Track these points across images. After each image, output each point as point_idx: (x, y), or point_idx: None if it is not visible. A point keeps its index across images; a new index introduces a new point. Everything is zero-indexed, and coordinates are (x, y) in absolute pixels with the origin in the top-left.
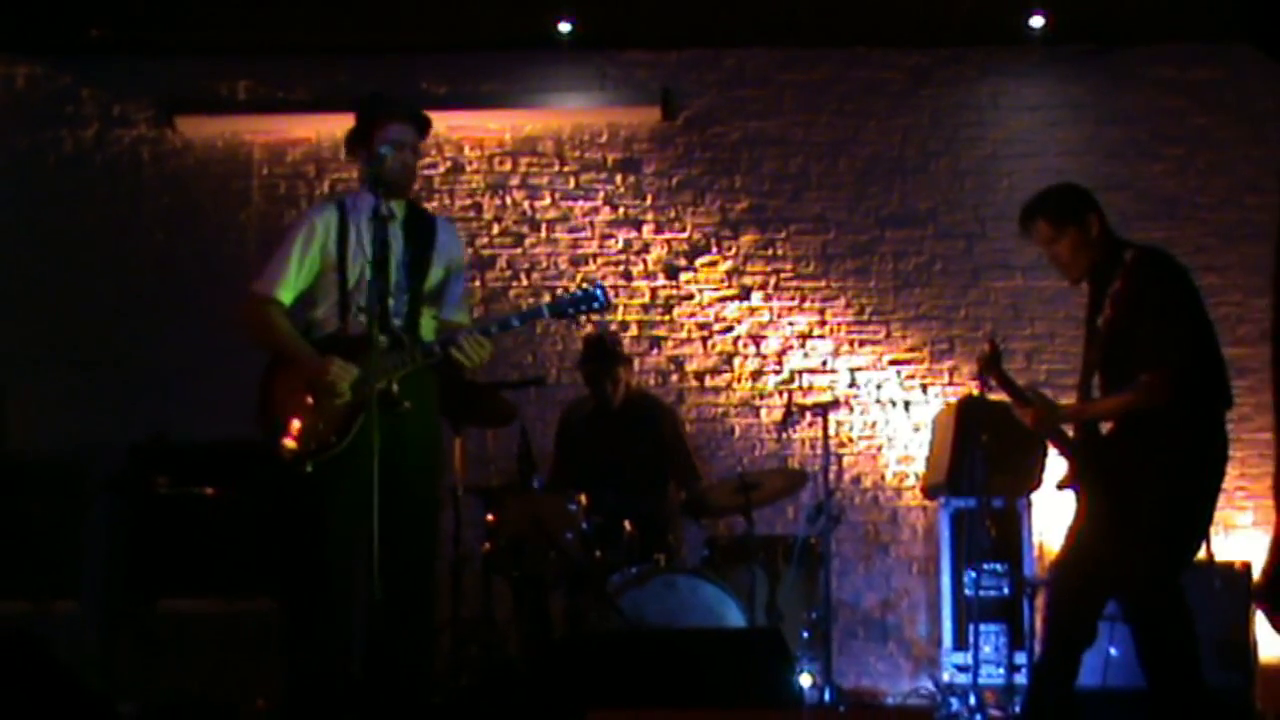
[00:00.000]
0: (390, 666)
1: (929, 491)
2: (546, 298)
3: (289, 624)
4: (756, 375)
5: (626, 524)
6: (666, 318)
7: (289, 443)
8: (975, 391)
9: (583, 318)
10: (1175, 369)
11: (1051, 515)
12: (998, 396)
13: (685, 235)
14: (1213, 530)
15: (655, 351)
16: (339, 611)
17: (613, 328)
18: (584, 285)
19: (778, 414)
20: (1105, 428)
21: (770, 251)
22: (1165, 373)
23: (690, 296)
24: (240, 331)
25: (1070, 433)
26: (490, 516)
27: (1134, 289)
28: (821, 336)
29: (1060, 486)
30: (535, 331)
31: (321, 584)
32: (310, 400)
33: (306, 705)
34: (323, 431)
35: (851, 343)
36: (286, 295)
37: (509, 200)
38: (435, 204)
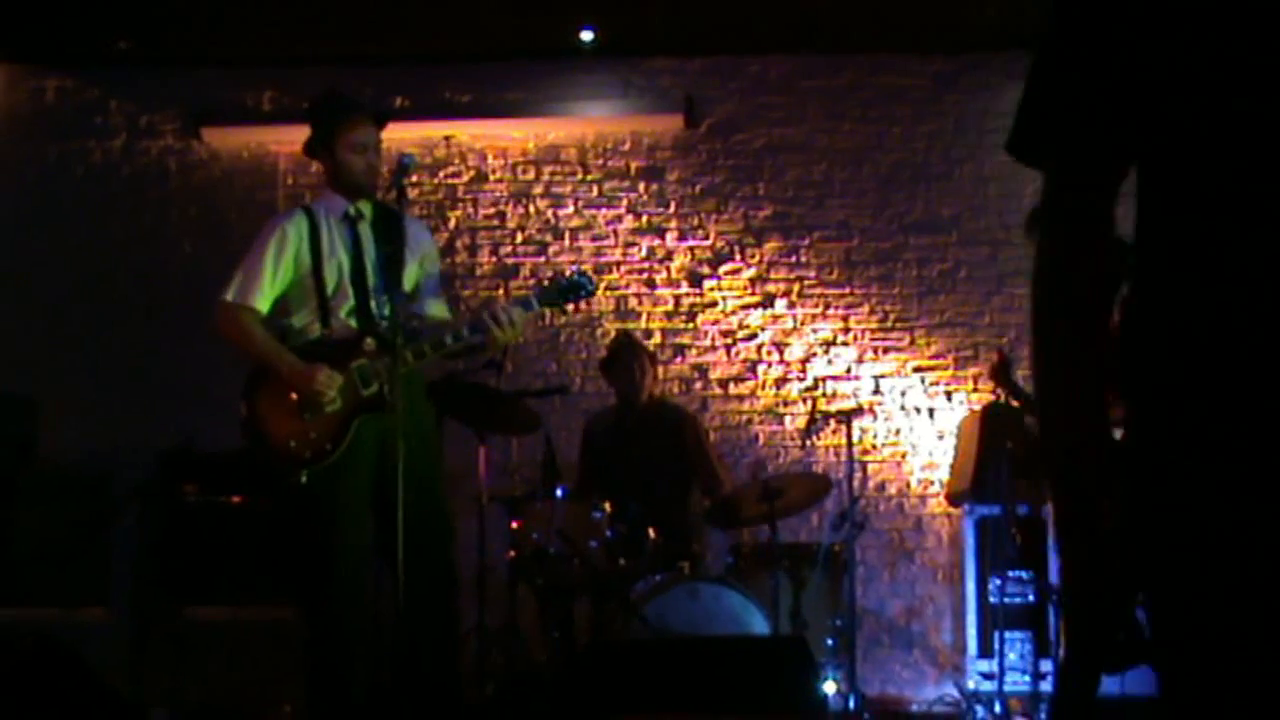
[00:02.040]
0: (417, 674)
1: (954, 499)
2: (570, 307)
3: (307, 634)
4: (780, 382)
5: (651, 532)
6: (690, 325)
7: (280, 454)
8: (1000, 398)
9: (573, 306)
10: None
11: None
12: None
13: (709, 243)
14: None
15: (679, 359)
16: (350, 619)
17: (636, 335)
18: (569, 272)
19: (802, 421)
20: (1119, 433)
21: (794, 259)
22: None
23: (714, 304)
24: (223, 340)
25: None
26: (514, 525)
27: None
28: (845, 344)
29: None
30: (559, 340)
31: (329, 593)
32: (298, 410)
33: (327, 714)
34: (316, 441)
35: (875, 350)
36: (263, 303)
37: (532, 209)
38: (459, 213)
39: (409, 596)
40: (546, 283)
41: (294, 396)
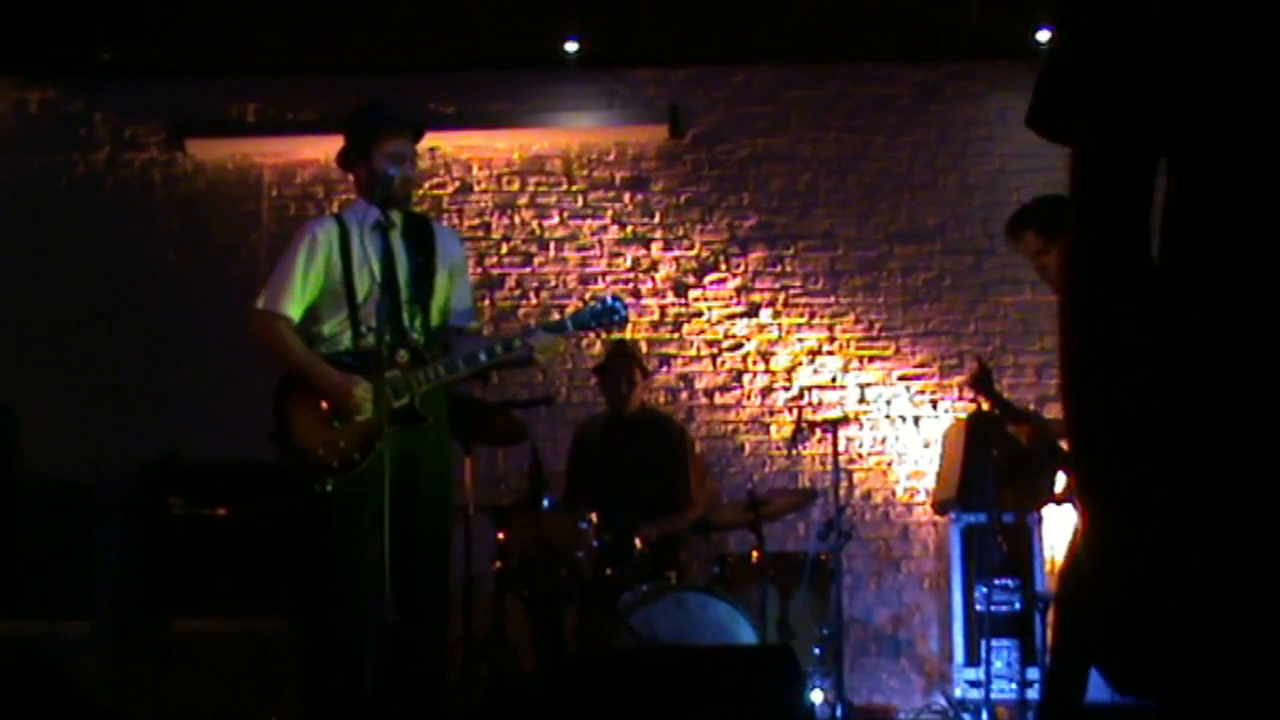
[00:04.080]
0: (405, 683)
1: (940, 507)
2: (555, 315)
3: (308, 644)
4: (766, 392)
5: (637, 541)
6: (675, 335)
7: (308, 461)
8: (985, 407)
9: (601, 333)
10: None
11: (1063, 530)
12: None
13: (693, 253)
14: None
15: (665, 369)
16: (358, 630)
17: (633, 344)
18: (604, 299)
19: (787, 430)
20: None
21: (779, 268)
22: None
23: (699, 314)
24: (256, 348)
25: (1066, 446)
26: (501, 535)
27: None
28: (831, 353)
29: (1059, 500)
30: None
31: (340, 602)
32: (329, 418)
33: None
34: (345, 449)
35: (861, 359)
36: (295, 310)
37: (517, 219)
38: (444, 224)
39: (403, 605)
40: (581, 306)
41: (325, 405)
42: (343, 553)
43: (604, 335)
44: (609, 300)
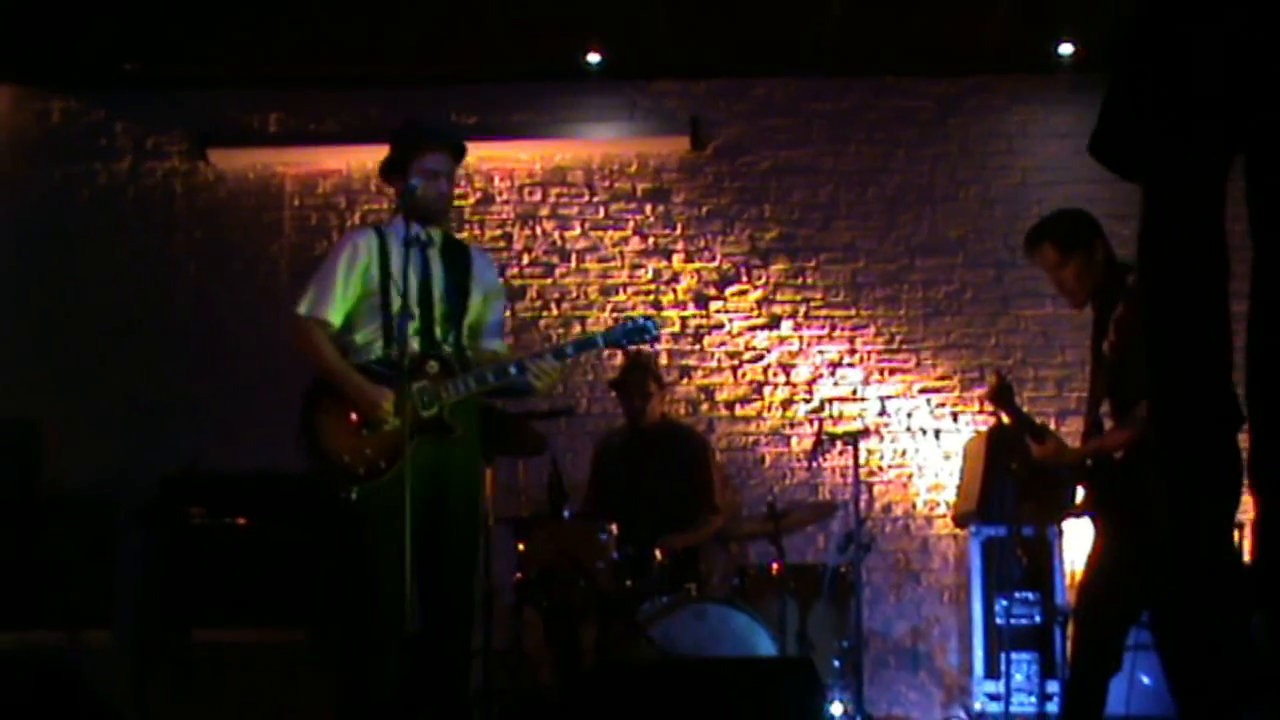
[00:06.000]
0: (427, 695)
1: (959, 520)
2: (577, 329)
3: (339, 653)
4: (786, 404)
5: (657, 553)
6: (696, 347)
7: (335, 468)
8: (1005, 421)
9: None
10: None
11: (1083, 543)
12: None
13: (715, 264)
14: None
15: (685, 381)
16: (390, 640)
17: (650, 357)
18: (637, 319)
19: (808, 443)
20: (1119, 453)
21: (800, 280)
22: None
23: (720, 326)
24: (294, 352)
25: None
26: (521, 546)
27: (1137, 314)
28: (851, 365)
29: (1076, 514)
30: (565, 362)
31: (368, 611)
32: (358, 426)
33: None
34: (371, 458)
35: (881, 371)
36: (336, 317)
37: (539, 230)
38: (466, 235)
39: (430, 615)
40: (615, 323)
41: (354, 413)
42: (369, 561)
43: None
44: (641, 320)
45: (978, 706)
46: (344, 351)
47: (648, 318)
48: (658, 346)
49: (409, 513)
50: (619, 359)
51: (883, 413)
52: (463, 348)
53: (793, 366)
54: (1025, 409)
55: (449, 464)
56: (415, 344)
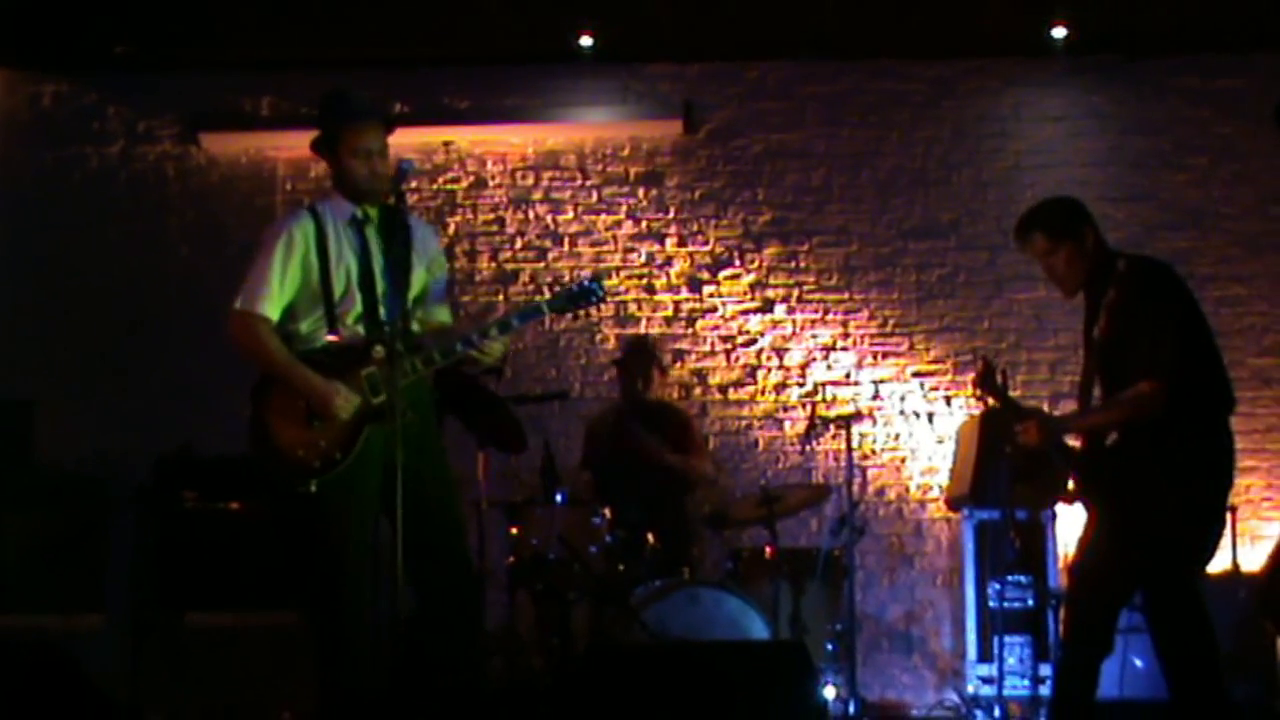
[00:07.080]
0: (435, 669)
1: (953, 503)
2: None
3: (316, 641)
4: (780, 388)
5: (650, 537)
6: (689, 331)
7: (289, 463)
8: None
9: (584, 313)
10: (1169, 379)
11: (1076, 527)
12: None
13: (708, 248)
14: (1238, 540)
15: (678, 365)
16: (359, 624)
17: (653, 341)
18: (582, 280)
19: (801, 426)
20: (1110, 439)
21: (793, 264)
22: (1159, 383)
23: (713, 309)
24: (234, 350)
25: (1075, 445)
26: (514, 530)
27: (1127, 299)
28: (845, 349)
29: (1068, 499)
30: (559, 346)
31: (338, 600)
32: (307, 418)
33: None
34: (325, 449)
35: (875, 355)
36: (274, 310)
37: (532, 214)
38: (458, 219)
39: (435, 595)
40: (559, 289)
41: (303, 405)
42: (335, 551)
43: (585, 315)
44: (586, 282)
45: (971, 689)
46: (288, 340)
47: (593, 279)
48: (651, 330)
49: (400, 501)
50: (612, 341)
51: (876, 396)
52: (409, 324)
53: (786, 350)
54: (1018, 393)
55: (406, 442)
56: (359, 328)
